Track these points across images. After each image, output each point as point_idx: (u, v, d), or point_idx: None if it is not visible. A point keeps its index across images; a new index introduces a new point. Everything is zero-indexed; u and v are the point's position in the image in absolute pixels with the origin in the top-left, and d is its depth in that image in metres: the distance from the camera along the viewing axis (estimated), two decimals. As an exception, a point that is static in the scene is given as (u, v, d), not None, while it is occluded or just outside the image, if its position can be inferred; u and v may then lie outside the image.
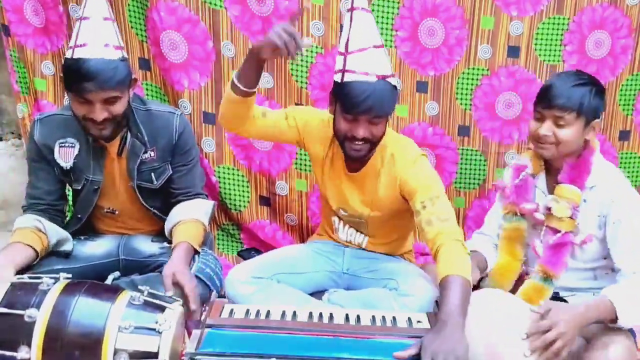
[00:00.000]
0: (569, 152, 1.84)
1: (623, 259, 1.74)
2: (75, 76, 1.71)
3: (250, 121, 1.95)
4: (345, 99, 1.78)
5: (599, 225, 1.81)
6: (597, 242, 1.83)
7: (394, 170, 1.91)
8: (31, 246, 1.81)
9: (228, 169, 2.74)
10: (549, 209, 1.86)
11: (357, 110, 1.77)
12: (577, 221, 1.83)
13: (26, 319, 1.35)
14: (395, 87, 1.83)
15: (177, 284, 1.73)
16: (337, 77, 1.82)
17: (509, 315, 1.58)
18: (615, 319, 1.59)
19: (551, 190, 1.91)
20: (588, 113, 1.79)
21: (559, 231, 1.85)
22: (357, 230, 2.11)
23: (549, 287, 1.85)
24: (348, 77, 1.78)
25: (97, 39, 1.76)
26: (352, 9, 1.80)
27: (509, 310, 1.61)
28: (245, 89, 1.81)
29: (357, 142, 1.82)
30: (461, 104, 2.70)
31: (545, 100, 1.81)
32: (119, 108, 1.81)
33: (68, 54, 1.77)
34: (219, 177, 2.74)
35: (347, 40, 1.80)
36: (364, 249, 2.13)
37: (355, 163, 1.97)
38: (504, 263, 1.97)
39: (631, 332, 1.69)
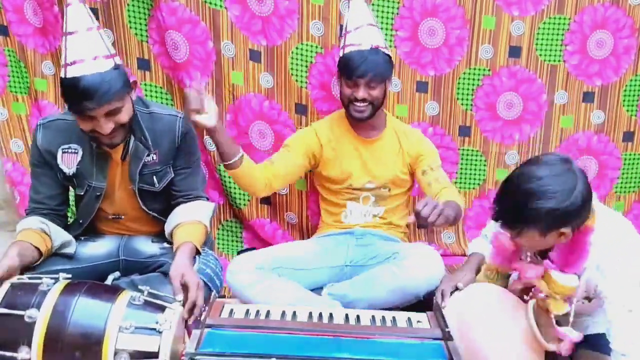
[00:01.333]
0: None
1: (619, 340, 1.53)
2: (73, 96, 1.69)
3: (266, 176, 2.20)
4: (344, 67, 2.17)
5: (596, 293, 1.60)
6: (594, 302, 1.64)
7: (409, 140, 2.32)
8: (36, 246, 1.80)
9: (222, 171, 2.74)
10: (544, 297, 1.57)
11: (355, 74, 2.12)
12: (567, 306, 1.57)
13: (26, 319, 1.35)
14: (389, 56, 2.21)
15: (183, 285, 1.73)
16: (340, 53, 2.23)
17: (503, 309, 1.60)
18: None
19: (541, 254, 1.67)
20: (549, 227, 1.50)
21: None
22: (376, 203, 2.34)
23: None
24: (347, 50, 2.18)
25: (86, 54, 1.71)
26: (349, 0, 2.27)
27: (503, 303, 1.63)
28: (231, 162, 2.06)
29: (359, 104, 2.17)
30: (462, 104, 2.70)
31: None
32: (124, 116, 1.78)
33: (62, 73, 1.73)
34: (220, 175, 2.74)
35: (346, 23, 2.25)
36: (371, 230, 2.32)
37: (367, 131, 2.30)
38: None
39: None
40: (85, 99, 1.67)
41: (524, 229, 1.50)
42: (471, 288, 1.78)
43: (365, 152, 2.31)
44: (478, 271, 1.90)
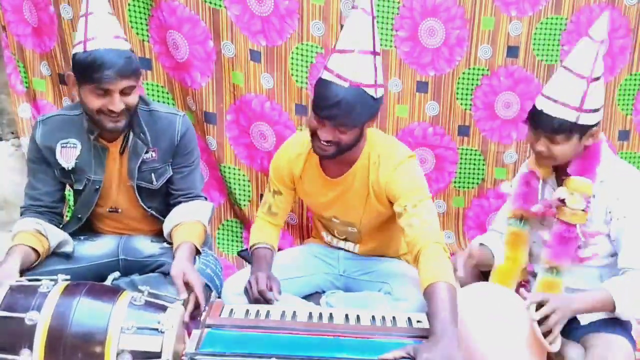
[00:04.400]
0: (570, 159, 1.81)
1: (626, 256, 1.72)
2: (93, 67, 1.72)
3: (278, 229, 2.14)
4: (315, 97, 1.73)
5: (605, 221, 1.78)
6: (604, 239, 1.80)
7: (380, 173, 1.87)
8: (33, 249, 1.81)
9: (229, 168, 2.74)
10: (562, 200, 1.80)
11: (321, 114, 1.71)
12: (588, 215, 1.78)
13: (27, 322, 1.34)
14: (373, 98, 1.71)
15: (185, 284, 1.73)
16: (321, 72, 1.75)
17: (504, 309, 1.61)
18: (612, 310, 1.62)
19: (561, 185, 1.86)
20: (581, 130, 1.73)
21: (571, 224, 1.80)
22: (348, 240, 2.12)
23: (558, 279, 1.82)
24: (324, 75, 1.71)
25: (107, 32, 1.78)
26: (353, 7, 1.75)
27: (504, 303, 1.64)
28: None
29: (322, 143, 1.76)
30: (461, 104, 2.71)
31: (535, 123, 1.79)
32: (133, 99, 1.82)
33: (78, 49, 1.77)
34: (222, 174, 2.75)
35: (337, 38, 1.77)
36: (355, 253, 2.14)
37: (336, 167, 1.93)
38: (504, 267, 1.95)
39: (630, 340, 1.70)
40: (106, 69, 1.71)
41: (562, 134, 1.71)
42: (471, 288, 1.78)
43: (330, 191, 1.98)
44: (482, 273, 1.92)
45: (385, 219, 2.00)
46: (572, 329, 1.72)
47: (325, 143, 1.75)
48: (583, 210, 1.77)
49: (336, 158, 1.84)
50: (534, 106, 1.79)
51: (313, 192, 2.02)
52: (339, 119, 1.69)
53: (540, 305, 1.55)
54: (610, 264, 1.82)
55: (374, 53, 1.71)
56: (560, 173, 1.88)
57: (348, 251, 2.14)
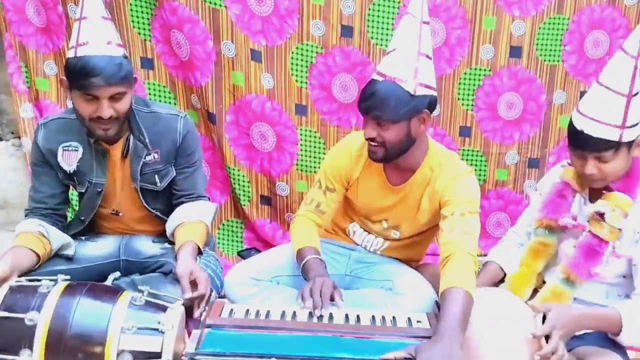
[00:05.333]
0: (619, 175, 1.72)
1: None
2: (82, 73, 1.72)
3: (318, 227, 2.04)
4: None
5: (630, 242, 1.70)
6: (624, 260, 1.72)
7: (438, 181, 1.87)
8: (34, 251, 1.80)
9: (229, 168, 2.75)
10: (601, 214, 1.70)
11: (359, 108, 1.79)
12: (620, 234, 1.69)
13: (27, 322, 1.34)
14: (410, 94, 1.72)
15: (192, 282, 1.73)
16: None
17: (509, 315, 1.58)
18: (617, 333, 1.57)
19: (593, 199, 1.78)
20: (627, 144, 1.65)
21: (604, 240, 1.70)
22: (384, 238, 2.09)
23: (569, 291, 1.75)
24: (373, 75, 1.78)
25: (99, 37, 1.77)
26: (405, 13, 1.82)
27: (509, 309, 1.61)
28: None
29: (371, 143, 1.81)
30: (463, 104, 2.71)
31: (579, 145, 1.67)
32: (123, 106, 1.81)
33: (70, 54, 1.77)
34: (228, 171, 2.76)
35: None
36: (374, 253, 2.12)
37: (398, 174, 1.94)
38: (518, 275, 1.87)
39: (624, 355, 1.65)
40: (94, 76, 1.70)
41: (609, 150, 1.62)
42: (479, 293, 1.71)
43: (389, 198, 1.98)
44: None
45: (429, 227, 2.00)
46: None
47: (372, 143, 1.81)
48: (620, 229, 1.69)
49: (392, 162, 1.88)
50: (572, 125, 1.68)
51: (370, 196, 2.00)
52: (374, 111, 1.74)
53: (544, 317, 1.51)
54: (619, 283, 1.76)
55: (420, 53, 1.75)
56: (593, 188, 1.79)
57: (365, 248, 2.12)
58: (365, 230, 2.11)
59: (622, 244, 1.71)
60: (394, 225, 2.03)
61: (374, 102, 1.73)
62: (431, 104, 1.80)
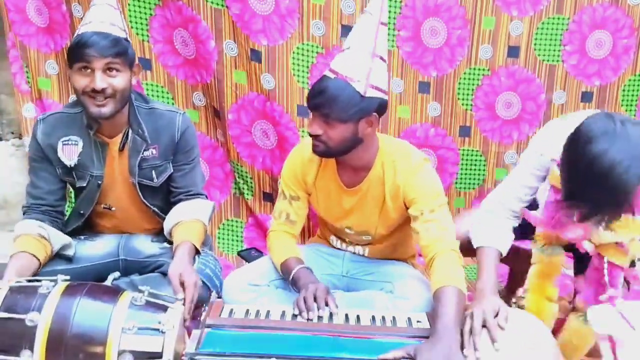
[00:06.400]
0: None
1: None
2: (78, 45, 1.77)
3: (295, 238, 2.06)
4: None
5: None
6: None
7: (397, 178, 1.85)
8: (35, 256, 1.80)
9: (233, 164, 2.76)
10: (619, 243, 1.55)
11: (308, 104, 1.78)
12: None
13: (27, 323, 1.34)
14: (361, 95, 1.69)
15: (181, 284, 1.73)
16: None
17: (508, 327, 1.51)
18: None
19: None
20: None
21: (618, 267, 1.57)
22: (358, 245, 2.09)
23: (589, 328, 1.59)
24: (326, 72, 1.76)
25: (103, 18, 1.83)
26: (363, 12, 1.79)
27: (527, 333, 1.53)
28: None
29: (312, 137, 1.78)
30: (462, 104, 2.71)
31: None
32: (119, 82, 1.82)
33: (75, 34, 1.84)
34: (233, 164, 2.77)
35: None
36: (363, 255, 2.12)
37: (352, 175, 1.91)
38: (537, 308, 1.71)
39: None
40: (90, 46, 1.76)
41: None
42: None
43: (345, 201, 1.96)
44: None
45: (398, 225, 1.99)
46: None
47: (315, 138, 1.77)
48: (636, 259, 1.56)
49: (342, 161, 1.86)
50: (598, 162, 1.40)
51: (328, 201, 1.99)
52: (321, 109, 1.71)
53: None
54: None
55: (374, 55, 1.72)
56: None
57: (355, 254, 2.13)
58: (343, 242, 2.11)
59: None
60: (359, 231, 2.01)
61: (324, 99, 1.70)
62: (381, 106, 1.76)
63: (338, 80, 1.69)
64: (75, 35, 1.82)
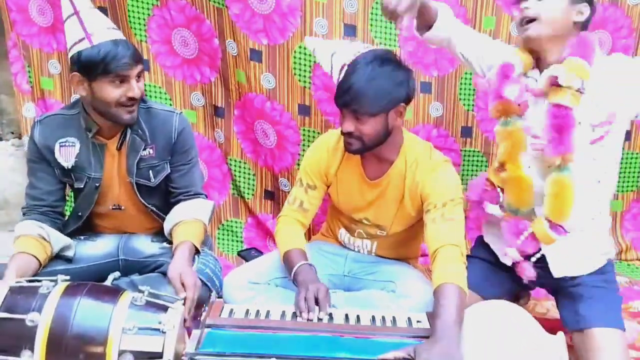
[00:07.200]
0: (556, 34, 1.69)
1: None
2: (108, 57, 1.75)
3: (304, 227, 2.06)
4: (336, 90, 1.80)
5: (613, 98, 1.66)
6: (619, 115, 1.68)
7: (416, 176, 1.88)
8: (35, 257, 1.81)
9: (236, 161, 2.77)
10: (555, 78, 1.65)
11: (338, 102, 1.79)
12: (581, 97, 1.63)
13: (28, 323, 1.35)
14: (400, 74, 1.76)
15: (181, 284, 1.74)
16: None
17: (512, 329, 1.54)
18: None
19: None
20: None
21: (566, 107, 1.64)
22: (371, 239, 2.09)
23: (566, 175, 1.67)
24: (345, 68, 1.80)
25: (103, 25, 1.82)
26: None
27: (513, 323, 1.57)
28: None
29: (346, 135, 1.81)
30: (464, 104, 2.70)
31: None
32: (142, 86, 1.87)
33: (82, 46, 1.78)
34: (230, 166, 2.77)
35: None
36: (369, 254, 2.12)
37: (376, 167, 1.94)
38: (517, 175, 1.80)
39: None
40: (123, 57, 1.76)
41: None
42: (495, 306, 1.67)
43: (367, 193, 1.98)
44: None
45: (416, 222, 2.00)
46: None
47: (348, 137, 1.80)
48: (578, 90, 1.63)
49: (371, 154, 1.89)
50: None
51: (349, 192, 2.01)
52: (354, 104, 1.73)
53: None
54: (604, 129, 1.71)
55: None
56: (543, 63, 1.76)
57: (359, 252, 2.13)
58: (352, 236, 2.12)
59: (601, 113, 1.67)
60: (376, 224, 2.02)
61: (353, 96, 1.72)
62: (408, 96, 1.80)
63: (375, 64, 1.73)
64: (89, 47, 1.77)
